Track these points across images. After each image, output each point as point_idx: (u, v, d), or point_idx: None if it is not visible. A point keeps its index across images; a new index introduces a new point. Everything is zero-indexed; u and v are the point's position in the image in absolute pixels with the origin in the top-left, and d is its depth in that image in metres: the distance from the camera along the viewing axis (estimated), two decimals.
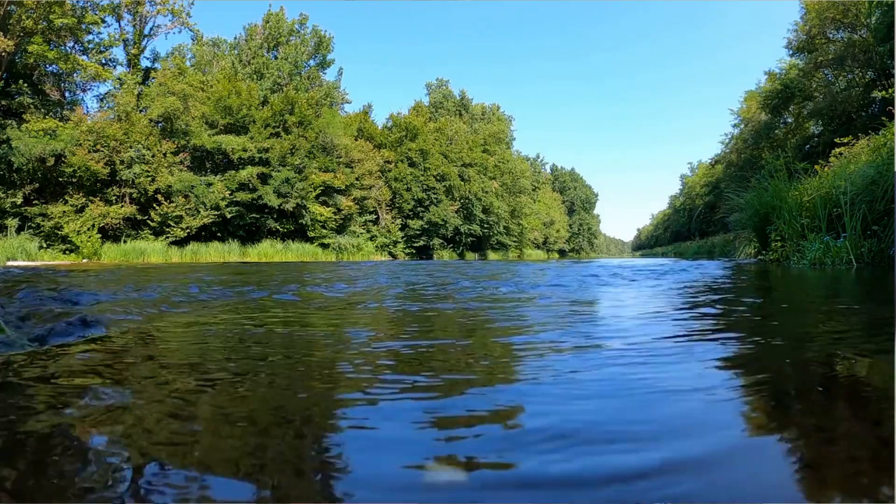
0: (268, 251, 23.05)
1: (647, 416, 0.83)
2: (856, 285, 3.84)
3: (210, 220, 22.22)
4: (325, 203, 26.66)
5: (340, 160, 28.37)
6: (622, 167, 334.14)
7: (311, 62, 33.00)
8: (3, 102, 19.51)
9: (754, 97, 32.48)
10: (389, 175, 33.95)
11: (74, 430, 0.79)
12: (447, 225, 36.90)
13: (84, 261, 17.42)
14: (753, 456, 0.68)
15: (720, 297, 2.98)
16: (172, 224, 21.30)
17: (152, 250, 19.80)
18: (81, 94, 22.99)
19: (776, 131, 28.03)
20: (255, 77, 30.12)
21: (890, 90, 17.95)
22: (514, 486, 0.60)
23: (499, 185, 45.64)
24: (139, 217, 21.06)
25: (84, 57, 21.93)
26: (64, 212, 18.82)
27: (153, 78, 22.94)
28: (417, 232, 35.15)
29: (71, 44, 21.56)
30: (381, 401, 0.94)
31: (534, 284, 4.06)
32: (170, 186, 21.16)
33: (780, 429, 0.78)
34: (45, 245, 18.38)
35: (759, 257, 9.06)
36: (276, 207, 24.57)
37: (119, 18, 23.61)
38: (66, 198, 19.30)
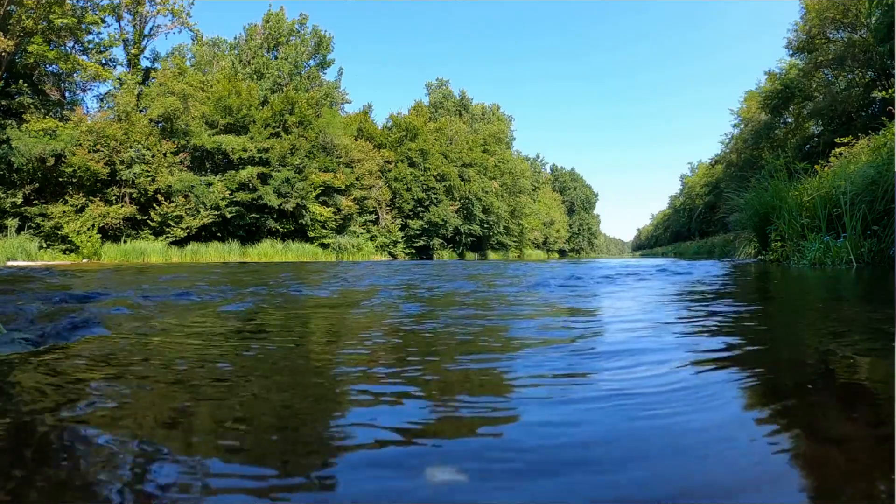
0: (268, 251, 23.05)
1: (645, 414, 0.83)
2: (856, 285, 3.84)
3: (210, 220, 22.21)
4: (325, 203, 26.65)
5: (340, 160, 28.37)
6: (622, 167, 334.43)
7: (311, 62, 33.00)
8: (3, 102, 19.51)
9: (754, 97, 32.49)
10: (389, 175, 33.95)
11: (74, 430, 0.79)
12: (447, 225, 36.90)
13: (84, 261, 17.42)
14: (752, 455, 0.68)
15: (720, 296, 2.98)
16: (172, 224, 21.29)
17: (152, 250, 19.80)
18: (81, 94, 23.02)
19: (776, 131, 28.03)
20: (255, 77, 30.12)
21: (890, 90, 17.95)
22: (514, 483, 0.60)
23: (499, 185, 45.64)
24: (139, 217, 21.06)
25: (84, 57, 21.93)
26: (64, 212, 18.82)
27: (153, 78, 22.93)
28: (417, 232, 35.15)
29: (71, 44, 21.56)
30: (381, 401, 0.94)
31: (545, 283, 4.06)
32: (170, 186, 21.16)
33: (779, 428, 0.78)
34: (45, 245, 18.38)
35: (759, 257, 9.06)
36: (276, 207, 24.57)
37: (119, 18, 23.62)
38: (66, 198, 19.30)
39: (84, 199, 19.51)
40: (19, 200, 18.40)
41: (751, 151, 29.97)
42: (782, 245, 7.79)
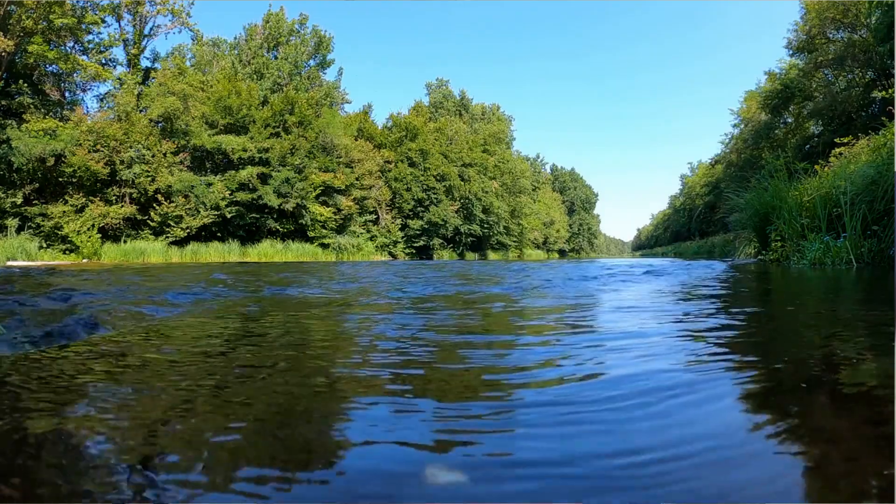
0: (268, 251, 23.05)
1: (644, 413, 0.83)
2: (856, 285, 3.84)
3: (210, 220, 22.21)
4: (325, 203, 26.65)
5: (340, 160, 28.37)
6: (622, 167, 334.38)
7: (311, 62, 32.99)
8: (3, 102, 19.51)
9: (754, 97, 32.49)
10: (389, 175, 33.94)
11: (74, 430, 0.79)
12: (447, 225, 36.89)
13: (84, 261, 17.42)
14: (752, 456, 0.68)
15: (720, 296, 2.98)
16: (172, 224, 21.29)
17: (152, 250, 19.80)
18: (81, 94, 23.00)
19: (776, 131, 28.03)
20: (255, 77, 30.11)
21: (890, 90, 17.95)
22: (513, 482, 0.60)
23: (499, 185, 45.63)
24: (139, 217, 21.06)
25: (84, 57, 21.92)
26: (64, 212, 18.81)
27: (153, 78, 22.92)
28: (417, 232, 35.15)
29: (71, 44, 21.55)
30: (381, 401, 0.94)
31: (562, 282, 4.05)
32: (170, 186, 21.15)
33: (779, 428, 0.78)
34: (45, 245, 18.37)
35: (759, 257, 9.06)
36: (276, 207, 24.57)
37: (119, 18, 23.61)
38: (66, 198, 19.29)
39: (84, 199, 19.51)
40: (19, 200, 18.40)
41: (751, 151, 29.97)
42: (782, 245, 7.79)
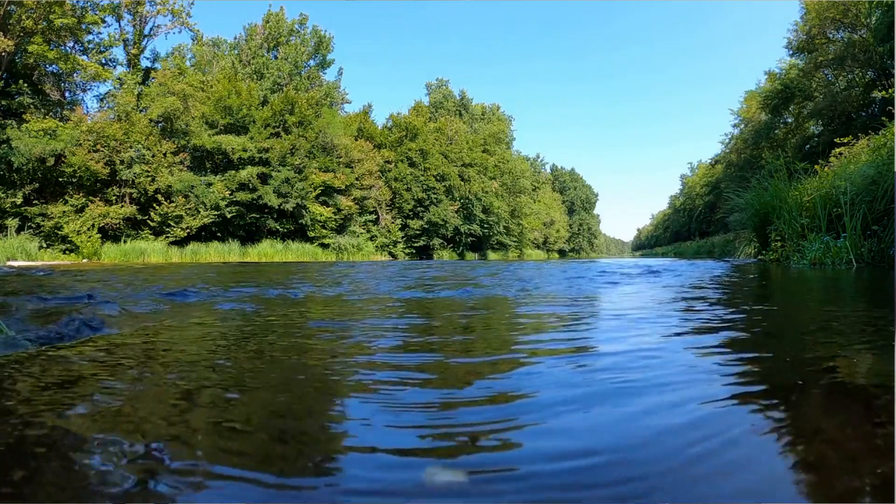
0: (268, 251, 23.05)
1: (644, 413, 0.83)
2: (856, 285, 3.84)
3: (210, 220, 22.22)
4: (325, 203, 26.65)
5: (340, 160, 28.37)
6: (622, 167, 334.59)
7: (311, 62, 33.01)
8: (3, 102, 19.51)
9: (754, 97, 32.51)
10: (389, 175, 33.94)
11: (75, 430, 0.79)
12: (447, 225, 36.89)
13: (84, 261, 17.42)
14: (752, 456, 0.68)
15: (720, 296, 2.98)
16: (172, 224, 21.30)
17: (152, 250, 19.80)
18: (81, 94, 23.02)
19: (776, 131, 28.04)
20: (255, 77, 30.12)
21: (890, 90, 17.96)
22: (514, 482, 0.60)
23: (499, 185, 45.63)
24: (139, 217, 21.07)
25: (84, 57, 21.93)
26: (64, 212, 18.82)
27: (153, 78, 22.93)
28: (417, 232, 35.15)
29: (71, 44, 21.56)
30: (381, 401, 0.94)
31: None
32: (170, 186, 21.16)
33: (779, 428, 0.78)
34: (45, 245, 18.37)
35: (759, 257, 9.06)
36: (276, 207, 24.57)
37: (119, 18, 23.62)
38: (66, 198, 19.30)
39: (84, 199, 19.51)
40: (19, 200, 18.40)
41: (751, 151, 29.99)
42: (782, 245, 7.79)
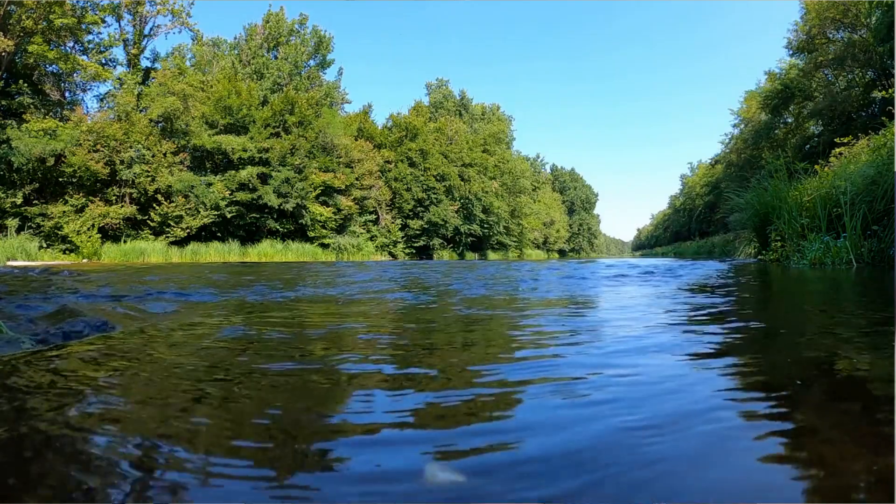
0: (268, 251, 23.04)
1: (644, 413, 0.83)
2: (856, 285, 3.84)
3: (210, 220, 22.21)
4: (325, 203, 26.65)
5: (340, 160, 28.36)
6: (622, 167, 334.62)
7: (311, 62, 33.00)
8: (3, 102, 19.51)
9: (754, 97, 32.51)
10: (389, 175, 33.94)
11: (75, 430, 0.79)
12: (447, 225, 36.88)
13: (84, 261, 17.42)
14: (752, 456, 0.68)
15: (720, 296, 2.98)
16: (172, 224, 21.29)
17: (152, 250, 19.80)
18: (81, 94, 23.00)
19: (776, 131, 28.03)
20: (255, 77, 30.11)
21: (890, 90, 17.95)
22: (515, 484, 0.60)
23: (499, 185, 45.63)
24: (139, 217, 21.06)
25: (84, 57, 21.92)
26: (64, 212, 18.81)
27: (153, 78, 22.92)
28: (417, 232, 35.14)
29: (71, 44, 21.56)
30: (382, 401, 0.94)
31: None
32: (170, 186, 21.15)
33: (777, 429, 0.79)
34: (45, 245, 18.37)
35: (759, 257, 9.06)
36: (276, 207, 24.57)
37: (119, 18, 23.61)
38: (66, 198, 19.29)
39: (84, 199, 19.51)
40: (19, 200, 18.39)
41: (751, 151, 29.99)
42: (782, 245, 7.79)
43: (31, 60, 19.62)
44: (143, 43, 24.57)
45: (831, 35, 22.90)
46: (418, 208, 35.51)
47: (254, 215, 24.30)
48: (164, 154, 21.48)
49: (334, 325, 2.06)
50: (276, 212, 24.99)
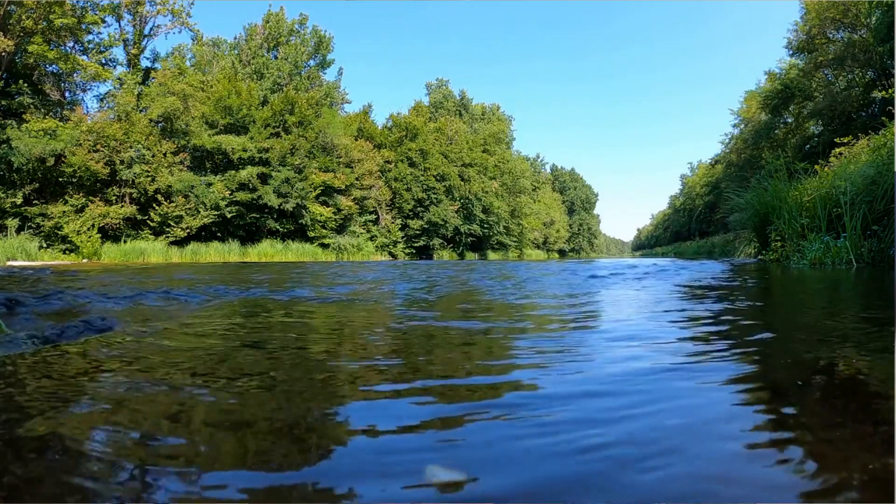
0: (268, 251, 23.04)
1: (643, 412, 0.83)
2: (856, 285, 3.84)
3: (210, 220, 22.20)
4: (325, 203, 26.64)
5: (340, 160, 28.36)
6: (622, 167, 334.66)
7: (311, 62, 32.99)
8: (3, 102, 19.50)
9: (754, 97, 32.51)
10: (389, 175, 33.93)
11: (75, 430, 0.79)
12: (447, 225, 36.88)
13: (84, 261, 17.42)
14: (752, 456, 0.68)
15: (719, 296, 2.98)
16: (172, 224, 21.29)
17: (152, 250, 19.79)
18: (81, 94, 22.99)
19: (776, 131, 28.03)
20: (255, 77, 30.11)
21: (890, 90, 17.95)
22: (516, 484, 0.60)
23: (499, 185, 45.62)
24: (139, 217, 21.06)
25: (84, 57, 21.92)
26: (64, 212, 18.81)
27: (153, 78, 22.92)
28: (417, 232, 35.14)
29: (71, 44, 21.55)
30: (382, 402, 0.94)
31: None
32: (170, 186, 21.15)
33: (779, 429, 0.79)
34: (45, 245, 18.36)
35: (759, 257, 9.06)
36: (276, 207, 24.56)
37: (119, 18, 23.60)
38: (66, 198, 19.29)
39: (84, 199, 19.50)
40: (19, 200, 18.39)
41: (751, 151, 29.99)
42: (782, 245, 7.79)
43: (31, 60, 19.61)
44: (143, 43, 24.56)
45: (831, 35, 22.91)
46: (418, 208, 35.51)
47: (254, 215, 24.30)
48: (164, 154, 21.48)
49: (334, 325, 2.06)
50: (276, 212, 24.99)
